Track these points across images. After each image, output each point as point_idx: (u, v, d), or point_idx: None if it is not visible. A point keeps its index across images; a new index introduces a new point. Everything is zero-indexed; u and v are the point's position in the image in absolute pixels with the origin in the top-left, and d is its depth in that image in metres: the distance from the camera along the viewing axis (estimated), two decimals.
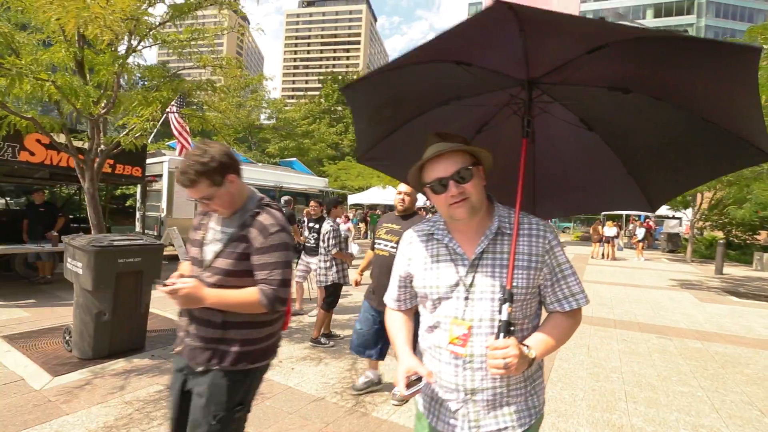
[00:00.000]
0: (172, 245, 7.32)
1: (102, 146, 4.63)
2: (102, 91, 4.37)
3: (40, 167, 7.11)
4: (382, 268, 3.24)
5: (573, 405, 3.54)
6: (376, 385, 3.62)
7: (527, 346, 1.13)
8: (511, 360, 1.04)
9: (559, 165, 1.61)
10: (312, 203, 6.20)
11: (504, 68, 1.33)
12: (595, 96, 1.35)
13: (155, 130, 5.46)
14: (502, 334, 1.09)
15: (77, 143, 4.91)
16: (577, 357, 4.75)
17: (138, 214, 11.58)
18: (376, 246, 3.39)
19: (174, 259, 8.71)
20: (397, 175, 1.78)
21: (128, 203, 15.26)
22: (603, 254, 16.78)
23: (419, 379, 1.11)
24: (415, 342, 1.38)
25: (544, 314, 1.35)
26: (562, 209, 1.97)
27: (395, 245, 3.15)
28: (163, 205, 10.31)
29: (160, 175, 10.44)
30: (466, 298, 1.19)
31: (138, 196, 11.75)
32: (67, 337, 4.18)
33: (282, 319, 1.75)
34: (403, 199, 3.30)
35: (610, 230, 16.65)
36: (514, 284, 1.16)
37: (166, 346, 4.44)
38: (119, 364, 3.94)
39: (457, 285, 1.20)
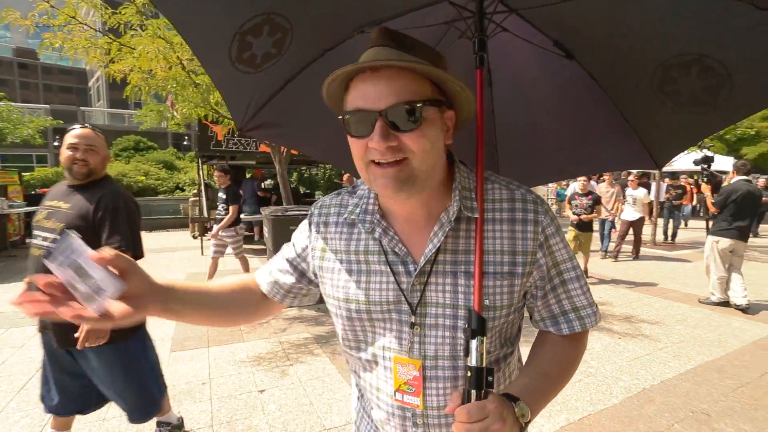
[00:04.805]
0: None
1: None
2: None
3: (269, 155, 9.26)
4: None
5: None
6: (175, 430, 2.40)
7: (516, 402, 0.68)
8: None
9: (527, 114, 1.04)
10: (216, 172, 5.33)
11: None
12: None
13: None
14: (473, 391, 0.67)
15: None
16: None
17: None
18: (33, 242, 1.87)
19: None
20: (297, 145, 1.33)
21: None
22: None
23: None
24: None
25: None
26: (534, 175, 1.32)
27: (58, 237, 1.74)
28: None
29: None
30: (413, 325, 0.77)
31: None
32: None
33: None
34: (84, 159, 1.83)
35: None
36: (487, 304, 0.75)
37: None
38: (293, 311, 4.96)
39: (398, 304, 0.78)
